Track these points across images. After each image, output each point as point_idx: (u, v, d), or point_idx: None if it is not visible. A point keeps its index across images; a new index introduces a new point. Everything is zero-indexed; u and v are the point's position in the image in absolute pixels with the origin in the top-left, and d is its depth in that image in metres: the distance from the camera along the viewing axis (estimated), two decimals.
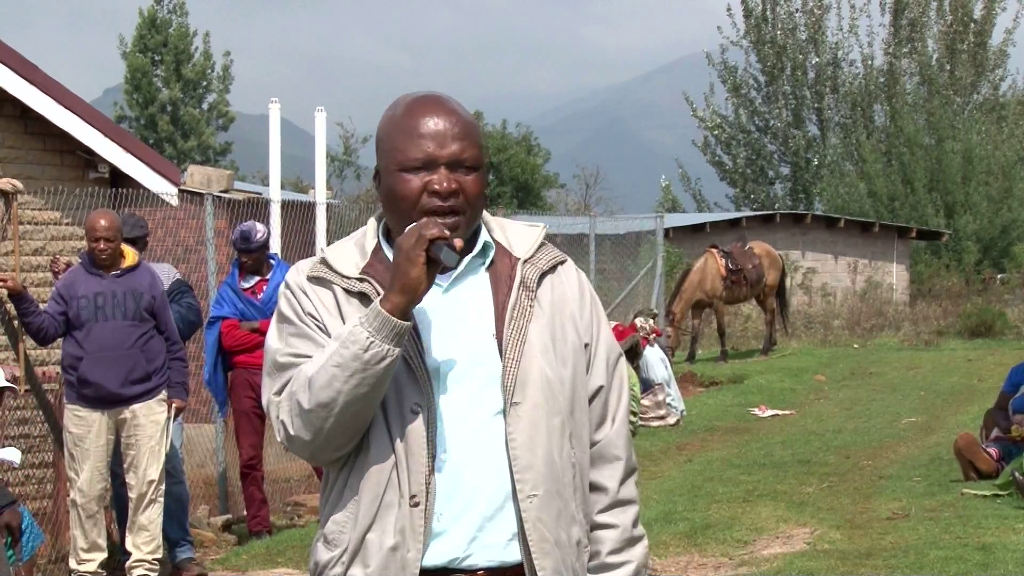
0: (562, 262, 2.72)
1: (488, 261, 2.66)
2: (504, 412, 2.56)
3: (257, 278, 9.06)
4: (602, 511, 2.70)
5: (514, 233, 2.71)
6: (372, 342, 2.45)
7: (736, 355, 21.19)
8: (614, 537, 2.70)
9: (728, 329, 21.51)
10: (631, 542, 2.72)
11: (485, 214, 2.72)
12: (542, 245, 2.72)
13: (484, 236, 2.67)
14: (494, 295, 2.62)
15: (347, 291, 2.58)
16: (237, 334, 8.95)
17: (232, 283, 9.06)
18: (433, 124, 2.58)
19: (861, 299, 27.48)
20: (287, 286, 2.63)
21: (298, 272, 2.64)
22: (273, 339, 2.61)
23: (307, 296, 2.60)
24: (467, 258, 2.63)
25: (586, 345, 2.69)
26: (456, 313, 2.61)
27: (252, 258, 8.97)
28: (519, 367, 2.57)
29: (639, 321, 14.95)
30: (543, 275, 2.67)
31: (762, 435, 13.53)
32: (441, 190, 2.56)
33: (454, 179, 2.57)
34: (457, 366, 2.57)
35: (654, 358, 14.53)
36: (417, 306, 2.56)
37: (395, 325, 2.46)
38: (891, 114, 40.12)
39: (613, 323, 12.78)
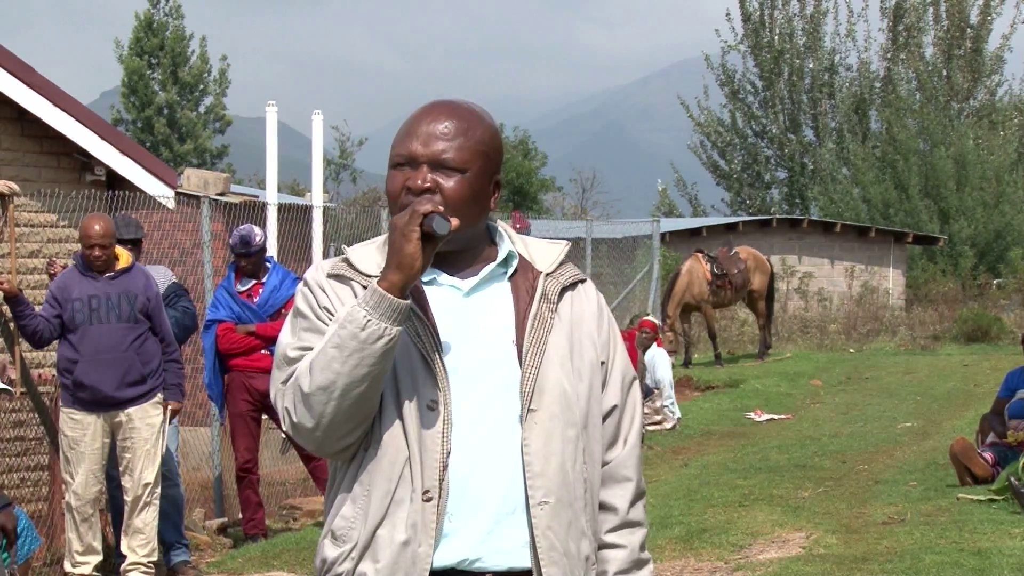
0: (582, 280, 2.73)
1: (511, 271, 2.66)
2: (521, 418, 2.56)
3: (253, 281, 9.06)
4: (610, 531, 2.70)
5: (537, 249, 2.72)
6: (369, 320, 2.43)
7: (732, 359, 21.21)
8: (621, 558, 2.70)
9: (724, 334, 21.50)
10: (638, 564, 2.72)
11: (509, 229, 2.72)
12: (564, 262, 2.72)
13: (507, 246, 2.67)
14: (515, 304, 2.63)
15: (366, 288, 2.57)
16: (233, 337, 8.95)
17: (228, 286, 9.05)
18: (425, 125, 2.59)
19: (857, 304, 27.51)
20: (306, 283, 2.63)
21: (318, 270, 2.64)
22: (286, 334, 2.61)
23: (324, 292, 2.59)
24: (490, 266, 2.63)
25: (602, 363, 2.69)
26: (476, 318, 2.60)
27: (250, 262, 8.97)
28: (537, 375, 2.57)
29: (657, 320, 15.24)
30: (563, 290, 2.68)
31: (758, 439, 13.54)
32: (413, 186, 2.56)
33: (431, 178, 2.56)
34: (475, 368, 2.57)
35: (662, 358, 14.66)
36: (437, 308, 2.57)
37: (392, 303, 2.44)
38: (886, 120, 40.18)
39: None
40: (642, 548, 2.73)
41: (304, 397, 2.49)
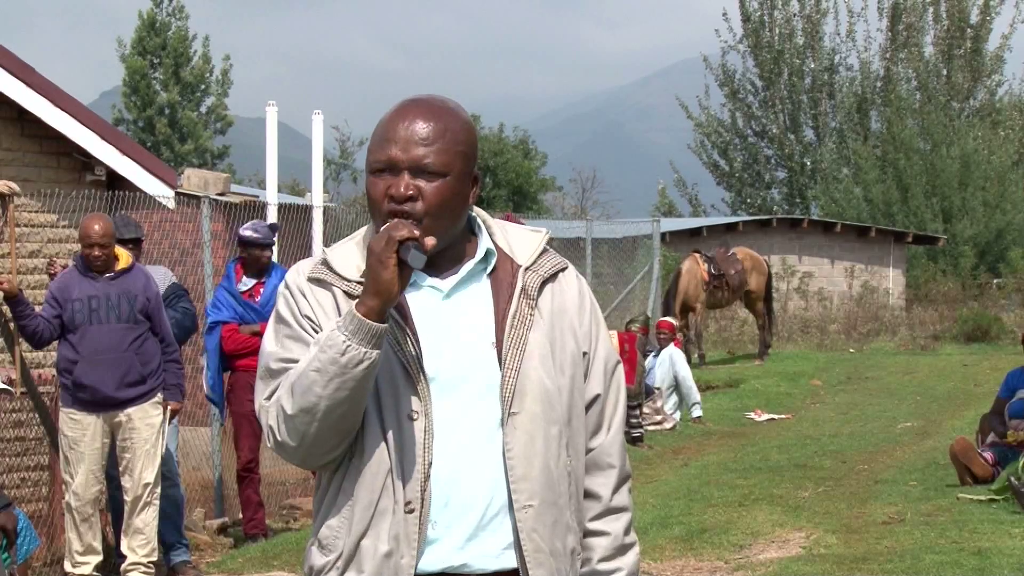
0: (563, 269, 2.71)
1: (490, 268, 2.65)
2: (502, 422, 2.56)
3: (254, 281, 9.03)
4: (594, 518, 2.70)
5: (516, 238, 2.70)
6: (349, 345, 2.43)
7: (731, 359, 21.23)
8: (605, 544, 2.70)
9: (724, 334, 21.46)
10: (622, 550, 2.72)
11: (487, 218, 2.71)
12: (544, 251, 2.70)
13: (486, 242, 2.66)
14: (495, 302, 2.61)
15: (347, 294, 2.57)
16: (239, 338, 8.87)
17: (230, 287, 9.00)
18: (403, 128, 2.56)
19: (857, 303, 27.51)
20: (286, 286, 2.62)
21: (298, 273, 2.63)
22: (269, 341, 2.60)
23: (305, 298, 2.58)
24: (469, 265, 2.62)
25: (584, 354, 2.69)
26: (456, 320, 2.60)
27: (268, 253, 8.99)
28: (518, 376, 2.56)
29: (673, 322, 15.53)
30: (544, 282, 2.66)
31: (758, 439, 13.54)
32: (395, 194, 2.54)
33: (413, 184, 2.54)
34: (456, 374, 2.56)
35: (679, 357, 14.83)
36: (417, 312, 2.56)
37: (370, 328, 2.44)
38: (887, 119, 40.19)
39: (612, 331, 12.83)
40: (627, 532, 2.73)
41: (287, 418, 2.50)
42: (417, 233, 2.46)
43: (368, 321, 2.44)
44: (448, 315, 2.60)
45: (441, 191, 2.55)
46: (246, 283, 9.01)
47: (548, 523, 2.57)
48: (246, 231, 8.98)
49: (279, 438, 2.53)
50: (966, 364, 19.76)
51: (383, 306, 2.45)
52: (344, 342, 2.43)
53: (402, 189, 2.54)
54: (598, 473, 2.70)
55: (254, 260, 8.97)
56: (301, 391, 2.47)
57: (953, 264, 32.57)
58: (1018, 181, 36.27)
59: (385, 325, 2.46)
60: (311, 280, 2.60)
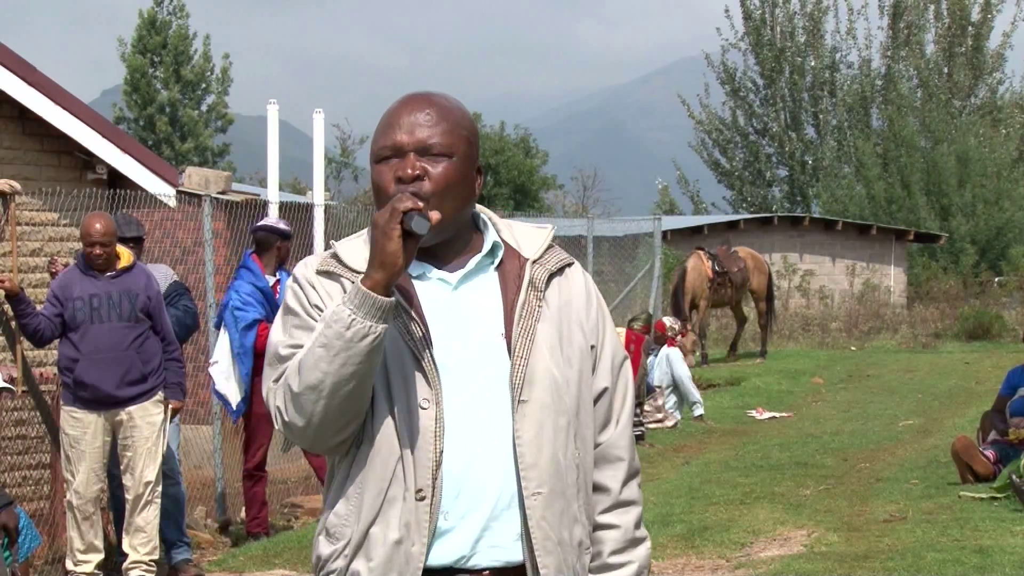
0: (569, 264, 2.73)
1: (497, 261, 2.67)
2: (511, 410, 2.57)
3: (273, 279, 8.99)
4: (604, 511, 2.71)
5: (522, 234, 2.72)
6: (354, 319, 2.44)
7: (734, 357, 21.22)
8: (616, 538, 2.71)
9: (724, 332, 21.43)
10: (633, 543, 2.72)
11: (492, 215, 2.73)
12: (550, 247, 2.72)
13: (493, 236, 2.68)
14: (503, 294, 2.63)
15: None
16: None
17: (262, 283, 8.89)
18: (407, 115, 2.60)
19: (859, 302, 27.52)
20: (295, 279, 2.64)
21: (306, 266, 2.65)
22: (277, 332, 2.61)
23: (314, 289, 2.60)
24: (476, 257, 2.64)
25: (592, 347, 2.70)
26: (465, 311, 2.61)
27: (288, 247, 9.02)
28: (527, 366, 2.57)
29: (668, 321, 15.53)
30: (551, 276, 2.68)
31: (760, 437, 13.55)
32: (402, 175, 2.57)
33: (420, 165, 2.57)
34: (465, 363, 2.57)
35: (676, 356, 14.82)
36: (426, 303, 2.58)
37: (376, 301, 2.44)
38: (888, 117, 40.21)
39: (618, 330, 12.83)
40: (637, 526, 2.73)
41: (294, 396, 2.50)
42: (421, 205, 2.47)
43: (373, 294, 2.44)
44: (457, 306, 2.61)
45: (447, 171, 2.58)
46: (268, 280, 8.96)
47: (556, 512, 2.57)
48: (280, 224, 9.03)
49: (286, 418, 2.53)
50: (967, 362, 19.76)
51: (389, 279, 2.46)
52: (349, 315, 2.44)
53: (409, 169, 2.56)
54: (607, 466, 2.71)
55: (286, 251, 8.98)
56: (308, 368, 2.47)
57: (954, 262, 32.58)
58: (1018, 179, 36.28)
59: (391, 299, 2.46)
60: (320, 272, 2.62)
